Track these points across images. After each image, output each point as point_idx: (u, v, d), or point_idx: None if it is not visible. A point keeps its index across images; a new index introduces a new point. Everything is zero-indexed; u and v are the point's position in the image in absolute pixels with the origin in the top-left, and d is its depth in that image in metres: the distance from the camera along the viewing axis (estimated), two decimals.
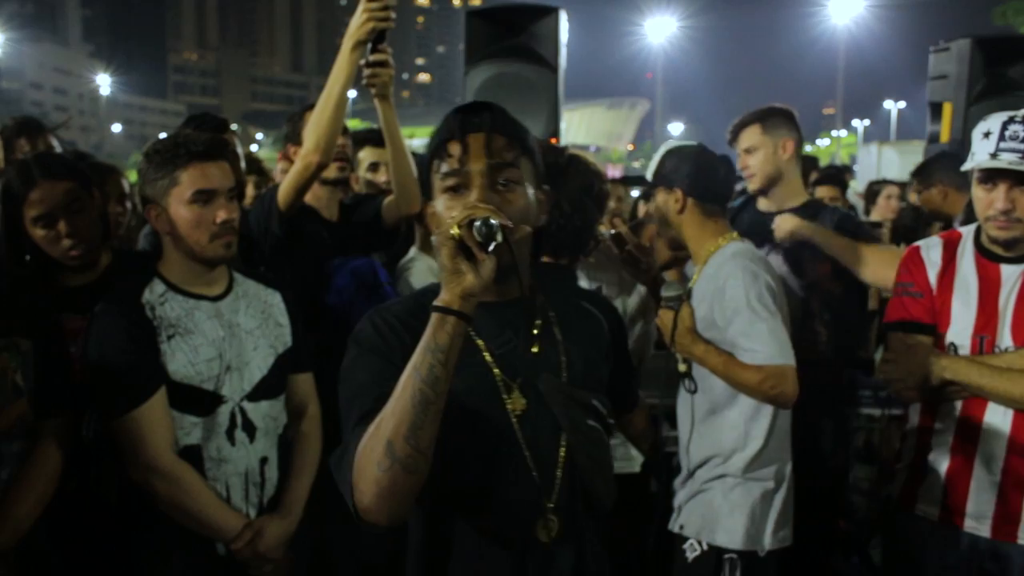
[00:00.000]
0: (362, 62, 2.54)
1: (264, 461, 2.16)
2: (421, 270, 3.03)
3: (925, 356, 2.22)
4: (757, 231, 2.92)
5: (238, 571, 2.10)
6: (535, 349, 1.50)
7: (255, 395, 2.15)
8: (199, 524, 2.05)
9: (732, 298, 2.28)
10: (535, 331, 1.51)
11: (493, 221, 1.24)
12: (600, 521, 1.59)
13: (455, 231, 1.24)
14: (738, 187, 3.06)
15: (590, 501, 1.53)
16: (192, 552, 2.07)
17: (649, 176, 2.55)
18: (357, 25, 2.46)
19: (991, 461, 2.18)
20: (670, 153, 2.51)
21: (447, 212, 1.40)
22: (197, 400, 2.06)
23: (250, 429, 2.13)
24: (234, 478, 2.11)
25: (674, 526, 2.45)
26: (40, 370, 1.98)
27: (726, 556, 2.32)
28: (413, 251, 3.15)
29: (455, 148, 1.42)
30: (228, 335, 2.12)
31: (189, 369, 2.05)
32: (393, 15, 2.47)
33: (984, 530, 2.20)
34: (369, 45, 2.51)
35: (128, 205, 3.12)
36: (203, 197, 2.04)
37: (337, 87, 2.51)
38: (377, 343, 1.43)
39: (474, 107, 1.47)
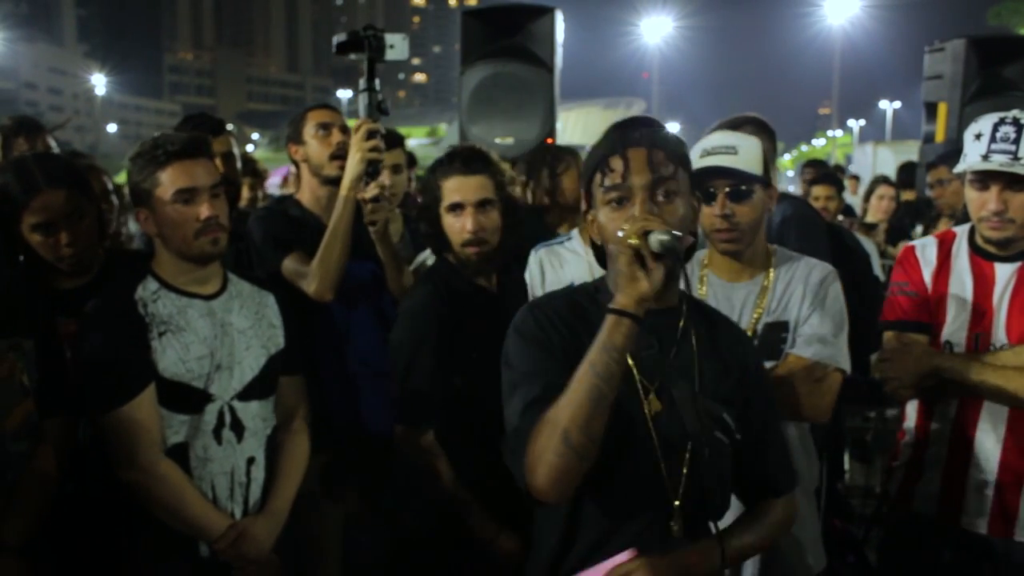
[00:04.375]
0: (360, 197, 2.62)
1: (251, 461, 2.16)
2: None
3: (920, 355, 2.23)
4: None
5: (222, 572, 2.09)
6: (672, 357, 1.58)
7: (246, 395, 2.15)
8: (183, 523, 2.04)
9: None
10: (675, 341, 1.59)
11: (675, 234, 1.38)
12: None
13: (634, 240, 1.39)
14: None
15: (708, 508, 1.58)
16: (181, 554, 2.07)
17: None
18: (353, 164, 2.56)
19: (987, 459, 2.19)
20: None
21: (611, 223, 1.52)
22: (185, 398, 2.06)
23: (238, 429, 2.13)
24: (219, 477, 2.10)
25: None
26: (42, 370, 1.98)
27: None
28: (426, 252, 3.03)
29: (617, 163, 1.52)
30: (220, 334, 2.12)
31: (179, 367, 2.05)
32: (382, 146, 2.60)
33: (981, 527, 2.21)
34: (364, 179, 2.60)
35: (114, 201, 3.11)
36: (185, 196, 2.03)
37: (342, 225, 2.58)
38: (539, 335, 1.55)
39: (634, 122, 1.57)
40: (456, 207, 2.32)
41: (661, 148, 1.53)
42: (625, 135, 1.55)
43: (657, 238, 1.37)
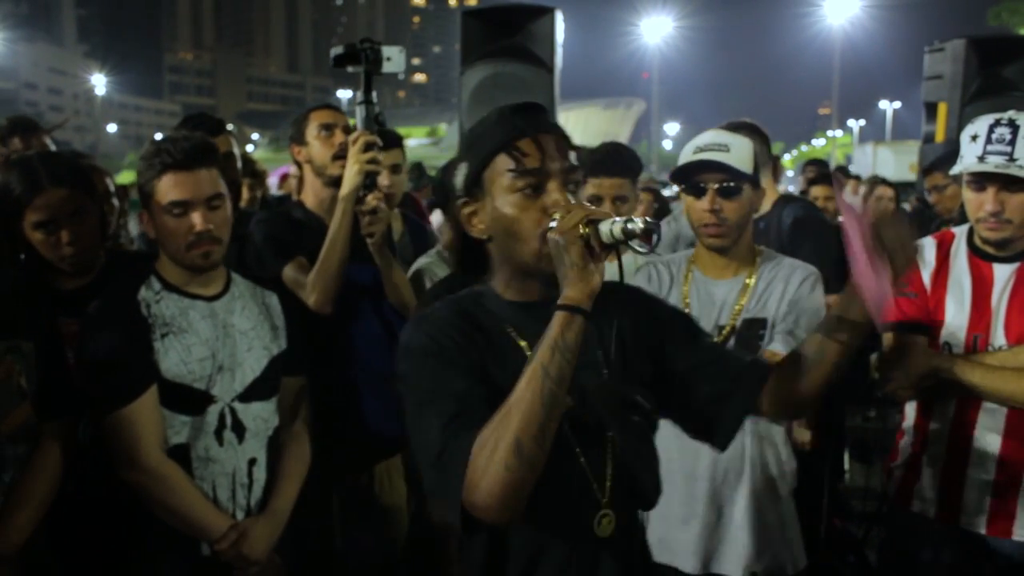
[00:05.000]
0: (358, 210, 2.61)
1: (252, 462, 2.16)
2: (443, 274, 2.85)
3: (919, 356, 2.23)
4: None
5: (223, 572, 2.09)
6: None
7: (247, 396, 2.14)
8: (185, 523, 2.04)
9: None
10: None
11: (647, 220, 1.26)
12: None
13: (584, 230, 1.28)
14: None
15: (640, 497, 1.53)
16: (181, 554, 2.07)
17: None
18: (351, 176, 2.57)
19: (986, 458, 2.20)
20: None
21: (523, 213, 1.39)
22: (187, 399, 2.06)
23: (240, 430, 2.13)
24: (221, 478, 2.10)
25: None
26: (42, 372, 1.98)
27: None
28: (432, 254, 2.97)
29: (530, 147, 1.39)
30: (222, 335, 2.12)
31: (181, 368, 2.05)
32: (380, 158, 2.61)
33: (980, 527, 2.21)
34: (362, 191, 2.61)
35: (115, 203, 3.11)
36: (178, 208, 2.01)
37: (340, 236, 2.58)
38: (435, 348, 1.40)
39: (533, 107, 1.45)
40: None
41: (563, 137, 1.43)
42: (531, 119, 1.42)
43: (620, 226, 1.26)
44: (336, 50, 2.70)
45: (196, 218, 2.02)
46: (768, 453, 2.25)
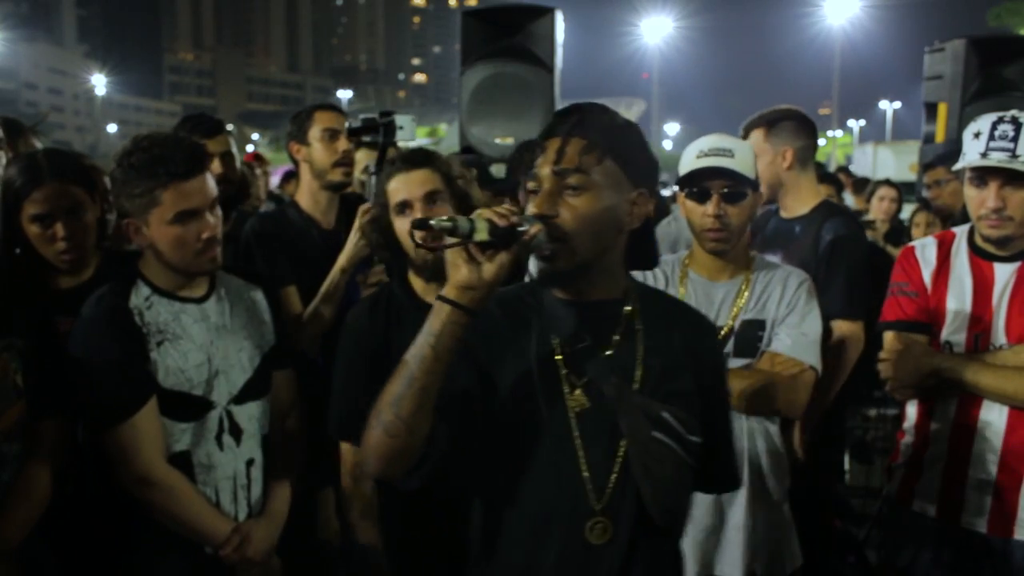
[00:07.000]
0: (361, 281, 2.64)
1: (251, 463, 2.16)
2: None
3: (920, 355, 2.23)
4: (780, 238, 2.89)
5: (224, 572, 2.09)
6: (609, 352, 1.50)
7: (241, 397, 2.13)
8: (188, 531, 2.04)
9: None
10: (614, 335, 1.51)
11: (448, 219, 1.30)
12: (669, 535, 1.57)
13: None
14: None
15: (648, 516, 1.49)
16: (181, 554, 2.07)
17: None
18: (357, 246, 2.58)
19: (987, 458, 2.20)
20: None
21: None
22: (187, 406, 2.05)
23: (236, 432, 2.12)
24: (223, 482, 2.10)
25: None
26: (36, 370, 1.97)
27: None
28: None
29: (537, 152, 1.49)
30: (215, 338, 2.10)
31: (179, 376, 2.03)
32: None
33: (981, 526, 2.21)
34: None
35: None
36: (186, 217, 1.98)
37: (334, 296, 2.63)
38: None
39: (569, 110, 1.51)
40: (403, 206, 2.15)
41: (583, 137, 1.45)
42: (552, 124, 1.51)
43: (434, 222, 1.30)
44: (354, 123, 2.80)
45: (206, 224, 2.00)
46: (764, 453, 2.27)
